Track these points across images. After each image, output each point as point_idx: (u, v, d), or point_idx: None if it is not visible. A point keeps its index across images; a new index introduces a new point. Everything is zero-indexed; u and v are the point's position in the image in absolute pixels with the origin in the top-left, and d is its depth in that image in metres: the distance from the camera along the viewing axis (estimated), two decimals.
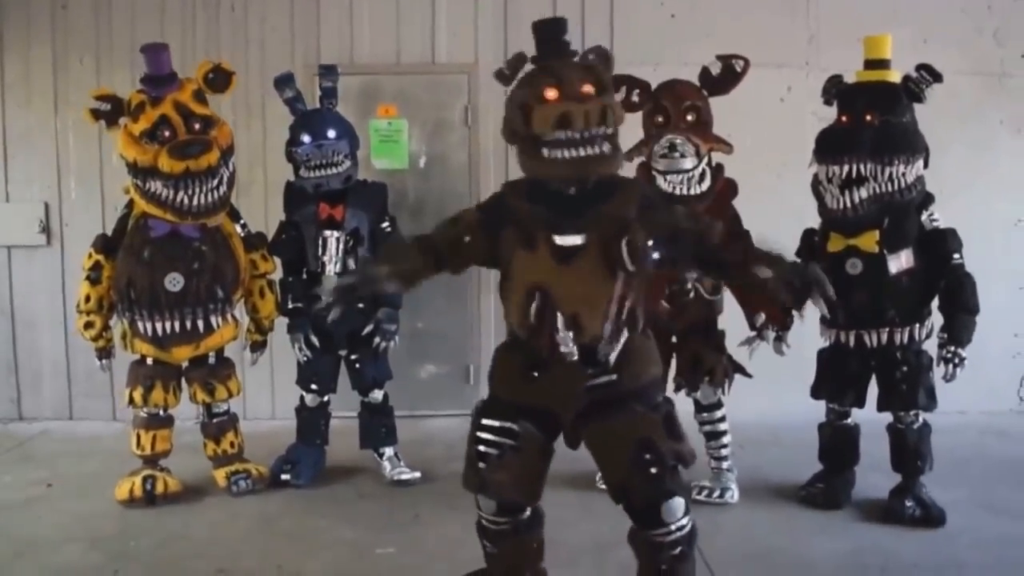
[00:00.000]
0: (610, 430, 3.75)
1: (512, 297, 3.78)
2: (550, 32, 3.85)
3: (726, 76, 5.52)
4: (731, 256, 3.82)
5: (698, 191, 5.47)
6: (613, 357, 3.74)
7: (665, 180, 5.45)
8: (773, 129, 7.38)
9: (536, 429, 3.84)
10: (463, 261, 3.99)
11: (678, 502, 3.73)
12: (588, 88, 3.67)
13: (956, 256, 5.32)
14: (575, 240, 3.67)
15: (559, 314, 3.64)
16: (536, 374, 3.76)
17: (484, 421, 3.88)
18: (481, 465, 3.82)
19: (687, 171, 5.40)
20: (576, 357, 3.67)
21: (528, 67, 3.79)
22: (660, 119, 5.57)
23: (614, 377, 3.76)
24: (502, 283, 3.86)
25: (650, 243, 3.65)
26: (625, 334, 3.77)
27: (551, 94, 3.62)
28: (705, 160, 5.49)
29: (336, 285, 4.05)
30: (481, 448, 3.84)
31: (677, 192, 5.43)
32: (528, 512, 4.01)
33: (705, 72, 5.54)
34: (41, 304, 7.75)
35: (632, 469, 3.68)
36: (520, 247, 3.72)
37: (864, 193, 5.20)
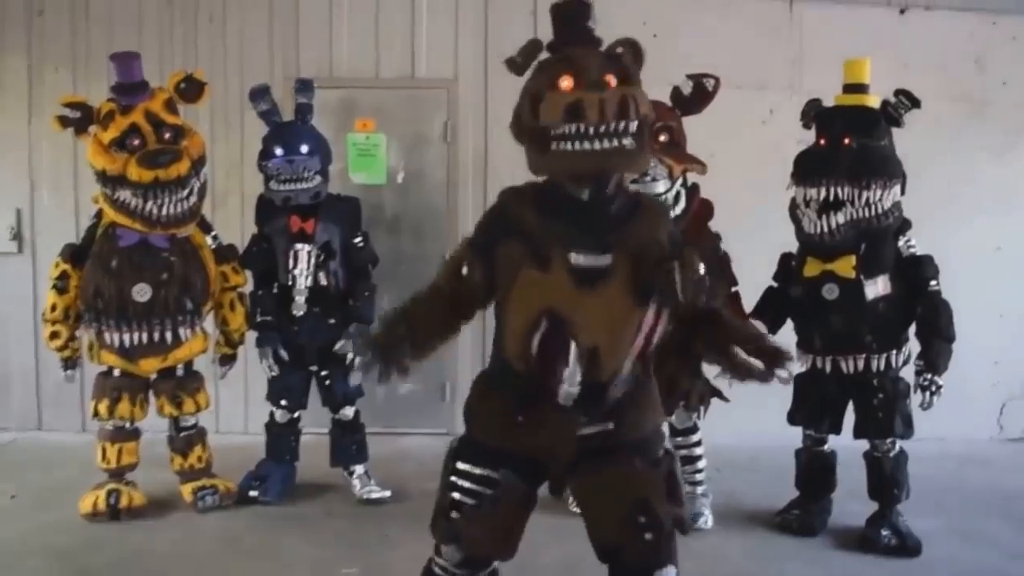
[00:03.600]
0: (604, 485, 3.37)
1: (512, 322, 3.29)
2: (571, 15, 3.39)
3: (697, 95, 5.39)
4: (708, 329, 3.42)
5: (672, 215, 5.37)
6: (614, 400, 3.33)
7: None
8: (756, 151, 7.35)
9: (518, 478, 3.41)
10: (468, 299, 3.49)
11: (670, 572, 3.34)
12: (610, 79, 3.23)
13: (933, 283, 5.30)
14: (600, 261, 3.20)
15: (573, 346, 3.18)
16: (521, 418, 3.33)
17: (460, 466, 3.47)
18: (455, 515, 3.42)
19: (660, 194, 5.28)
20: (574, 400, 3.27)
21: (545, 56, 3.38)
22: None
23: (610, 426, 3.37)
24: (500, 305, 3.39)
25: (704, 269, 3.17)
26: (635, 375, 3.37)
27: (566, 83, 3.19)
28: (679, 181, 5.41)
29: (359, 368, 3.57)
30: (456, 496, 3.44)
31: None
32: (493, 566, 3.65)
33: (676, 91, 5.43)
34: (11, 312, 7.66)
35: (626, 532, 3.29)
36: (528, 264, 3.22)
37: (842, 218, 5.17)
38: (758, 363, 3.28)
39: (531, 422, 3.32)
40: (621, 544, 3.32)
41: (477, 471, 3.43)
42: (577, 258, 3.19)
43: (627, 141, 3.14)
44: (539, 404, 3.28)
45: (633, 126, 3.16)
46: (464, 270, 3.40)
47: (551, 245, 3.20)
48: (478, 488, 3.42)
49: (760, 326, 4.78)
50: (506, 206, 3.38)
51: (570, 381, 3.22)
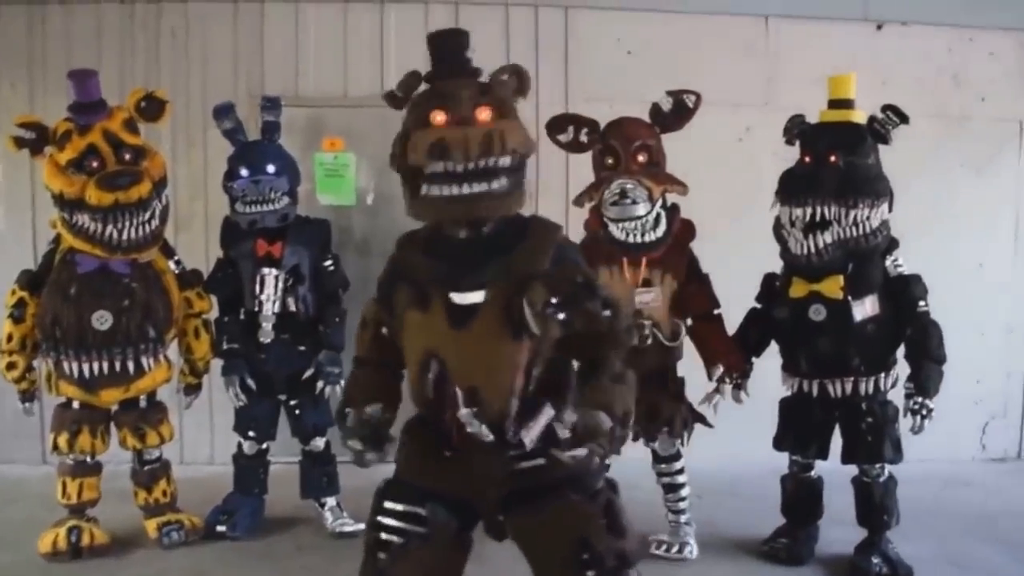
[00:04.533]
0: (540, 525, 3.26)
1: (408, 365, 3.30)
2: (447, 46, 3.36)
3: (678, 112, 5.30)
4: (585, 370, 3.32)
5: (654, 237, 5.27)
6: (532, 438, 3.15)
7: (618, 227, 5.24)
8: (731, 169, 7.30)
9: (448, 514, 3.34)
10: (395, 351, 3.42)
11: None
12: (484, 112, 3.16)
13: (922, 303, 5.21)
14: (474, 298, 3.15)
15: (456, 388, 3.14)
16: (448, 454, 3.27)
17: (387, 504, 3.38)
18: (381, 555, 3.32)
19: (640, 217, 5.17)
20: (491, 438, 3.16)
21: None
22: (610, 160, 5.31)
23: (542, 462, 3.23)
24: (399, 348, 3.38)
25: (553, 301, 3.08)
26: (547, 409, 3.17)
27: (438, 118, 3.15)
28: (659, 203, 5.28)
29: (353, 450, 3.41)
30: (382, 536, 3.34)
31: (631, 240, 5.25)
32: None
33: (656, 108, 5.32)
34: None
35: (568, 572, 3.19)
36: (411, 307, 3.23)
37: (828, 238, 5.08)
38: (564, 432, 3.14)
39: (457, 458, 3.27)
40: None
41: (403, 508, 3.35)
42: (455, 297, 3.17)
43: (497, 184, 3.13)
44: (459, 442, 3.21)
45: (504, 162, 3.14)
46: (384, 330, 3.46)
47: (432, 286, 3.20)
48: (405, 526, 3.33)
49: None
50: (398, 254, 3.42)
51: (468, 422, 3.13)
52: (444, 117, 3.14)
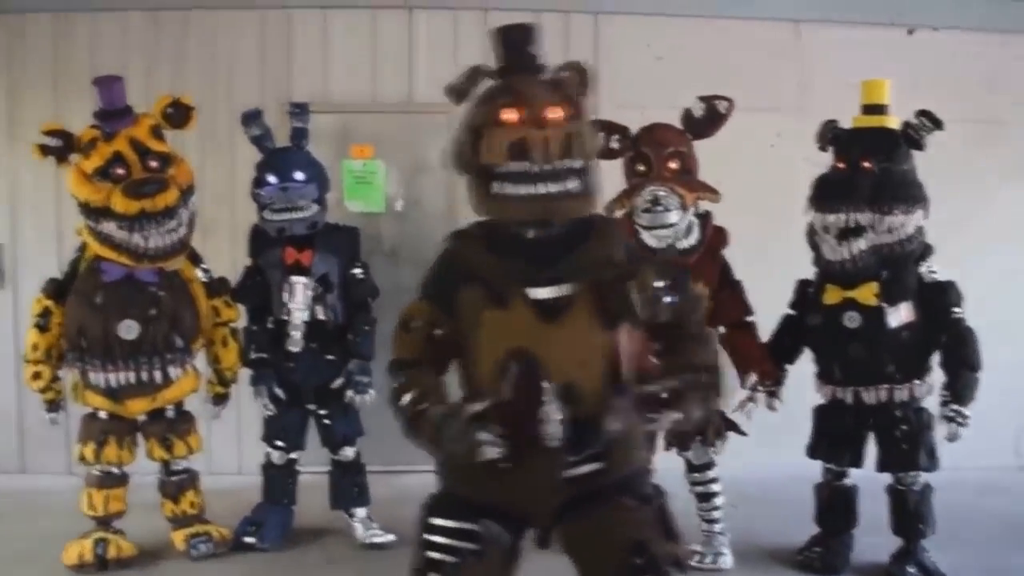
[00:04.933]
0: (595, 530, 3.17)
1: (478, 369, 3.16)
2: (515, 40, 3.29)
3: (710, 118, 5.27)
4: (673, 349, 3.23)
5: (686, 245, 5.22)
6: (620, 421, 3.06)
7: (650, 235, 5.17)
8: (763, 175, 7.24)
9: (502, 528, 3.21)
10: (444, 356, 3.30)
11: None
12: (555, 112, 3.11)
13: (956, 310, 5.18)
14: (553, 292, 3.10)
15: (546, 385, 2.99)
16: (502, 465, 3.03)
17: (436, 521, 3.23)
18: None
19: (672, 225, 5.12)
20: (560, 440, 3.01)
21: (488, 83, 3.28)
22: (642, 167, 5.28)
23: (601, 465, 3.17)
24: (464, 353, 3.23)
25: (661, 285, 3.11)
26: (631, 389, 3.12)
27: (509, 116, 3.09)
28: (692, 210, 5.23)
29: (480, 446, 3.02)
30: (434, 555, 3.19)
31: (664, 247, 5.17)
32: None
33: (687, 114, 5.29)
34: None
35: None
36: (488, 306, 3.12)
37: (863, 244, 5.05)
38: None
39: (512, 469, 3.06)
40: None
41: (455, 525, 3.20)
42: (536, 292, 3.10)
43: (572, 184, 3.10)
44: (521, 450, 3.02)
45: (579, 164, 3.11)
46: (436, 332, 3.25)
47: (507, 283, 3.12)
48: (458, 543, 3.18)
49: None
50: (455, 252, 3.31)
51: (550, 422, 2.98)
52: (517, 115, 3.09)
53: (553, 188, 3.07)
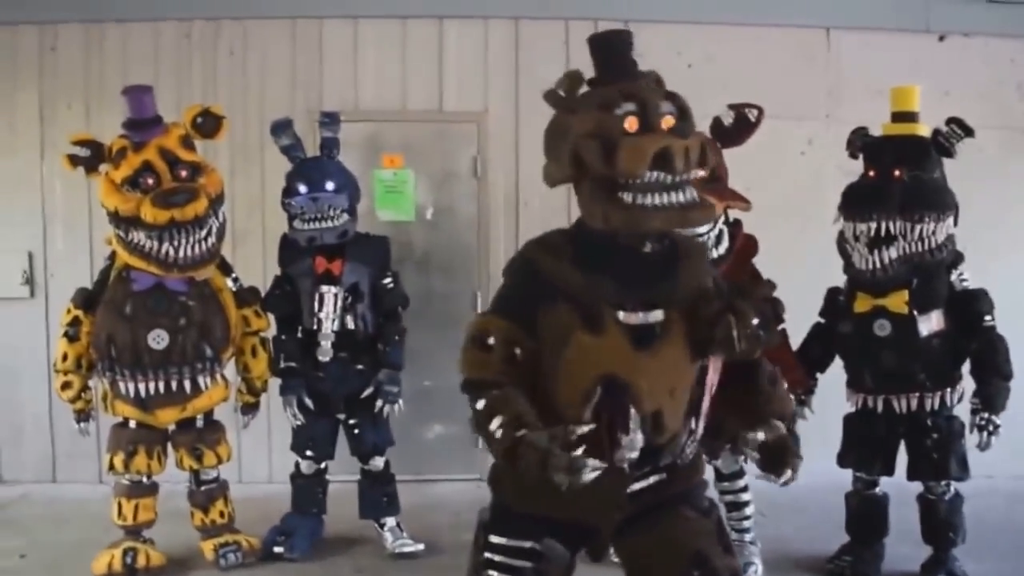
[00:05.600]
0: (655, 541, 3.17)
1: (564, 390, 3.02)
2: (615, 47, 3.16)
3: (740, 126, 5.16)
4: (740, 393, 3.23)
5: (716, 254, 5.10)
6: (685, 455, 3.19)
7: None
8: (794, 183, 7.26)
9: (562, 546, 3.22)
10: (524, 376, 3.06)
11: None
12: (670, 120, 3.00)
13: (988, 318, 5.16)
14: (652, 317, 3.03)
15: (634, 412, 2.98)
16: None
17: (496, 540, 3.24)
18: None
19: (701, 235, 5.05)
20: (629, 464, 3.04)
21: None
22: None
23: (664, 476, 3.18)
24: (542, 372, 3.06)
25: (756, 322, 3.01)
26: (699, 433, 3.23)
27: (633, 124, 2.95)
28: (722, 219, 5.17)
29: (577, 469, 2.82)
30: (493, 574, 3.21)
31: None
32: None
33: (717, 123, 5.19)
34: (23, 359, 7.43)
35: None
36: (580, 328, 2.98)
37: (894, 253, 5.04)
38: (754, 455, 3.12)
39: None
40: None
41: (516, 544, 3.21)
42: (628, 316, 3.01)
43: (691, 195, 2.98)
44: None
45: (699, 174, 3.02)
46: (517, 351, 3.05)
47: (600, 304, 3.00)
48: (518, 563, 3.20)
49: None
50: (537, 263, 3.13)
51: (630, 447, 3.00)
52: (637, 122, 2.96)
53: (684, 197, 2.96)
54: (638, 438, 3.00)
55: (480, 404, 3.02)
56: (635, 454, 3.01)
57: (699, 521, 3.23)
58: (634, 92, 3.01)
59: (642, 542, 3.20)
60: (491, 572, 3.21)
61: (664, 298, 3.04)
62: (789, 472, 3.09)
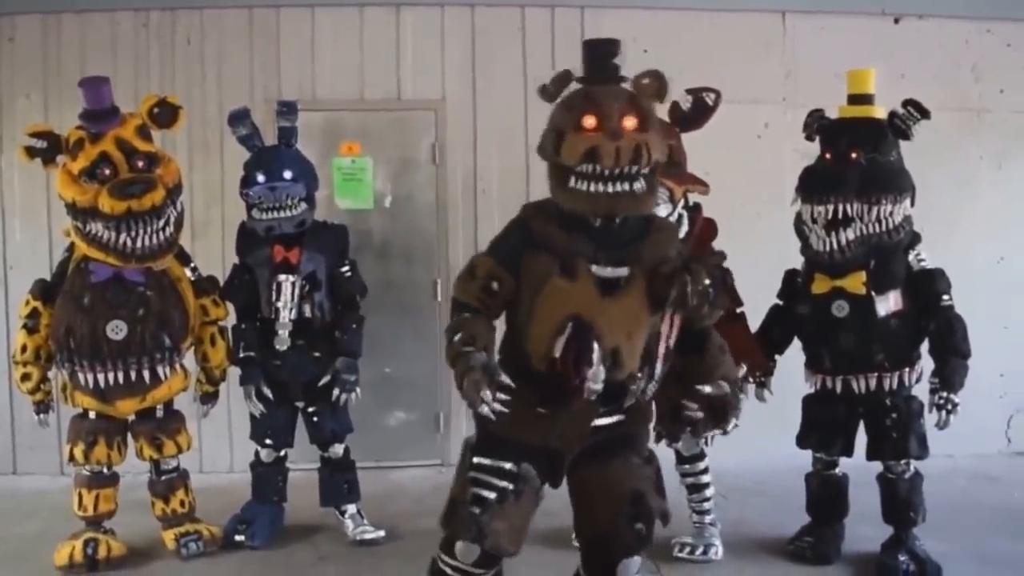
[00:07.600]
0: (603, 478, 3.73)
1: (537, 327, 3.57)
2: (600, 53, 3.71)
3: (697, 111, 5.17)
4: (691, 360, 3.80)
5: None
6: (644, 396, 3.74)
7: None
8: (751, 166, 7.30)
9: (536, 472, 3.66)
10: (498, 307, 3.72)
11: (636, 562, 3.82)
12: (630, 122, 3.53)
13: (945, 297, 5.18)
14: (618, 272, 3.58)
15: (596, 347, 3.45)
16: (541, 410, 3.59)
17: (481, 460, 3.66)
18: (476, 510, 3.57)
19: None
20: (595, 396, 3.52)
21: (574, 86, 3.67)
22: None
23: (623, 418, 3.72)
24: (521, 311, 3.65)
25: (708, 282, 3.55)
26: (657, 376, 3.72)
27: (589, 122, 3.51)
28: (681, 203, 5.22)
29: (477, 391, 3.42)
30: (479, 491, 3.61)
31: None
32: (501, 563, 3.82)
33: (675, 107, 5.20)
34: None
35: (618, 522, 3.68)
36: (557, 274, 3.56)
37: (851, 234, 5.06)
38: (697, 415, 3.69)
39: (549, 416, 3.59)
40: (610, 534, 3.74)
41: (498, 465, 3.64)
42: (599, 269, 3.57)
43: (637, 185, 3.54)
44: (561, 399, 3.52)
45: (645, 169, 3.54)
46: (495, 285, 3.64)
47: (576, 257, 3.56)
48: (500, 482, 3.61)
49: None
50: (530, 220, 3.73)
51: (594, 379, 3.45)
52: (595, 121, 3.50)
53: (620, 188, 3.51)
54: (600, 371, 3.45)
55: (453, 319, 3.68)
56: (599, 386, 3.47)
57: (642, 467, 3.81)
58: (594, 96, 3.59)
59: (592, 475, 3.75)
60: (475, 489, 3.62)
61: (631, 258, 3.59)
62: (733, 421, 3.80)
